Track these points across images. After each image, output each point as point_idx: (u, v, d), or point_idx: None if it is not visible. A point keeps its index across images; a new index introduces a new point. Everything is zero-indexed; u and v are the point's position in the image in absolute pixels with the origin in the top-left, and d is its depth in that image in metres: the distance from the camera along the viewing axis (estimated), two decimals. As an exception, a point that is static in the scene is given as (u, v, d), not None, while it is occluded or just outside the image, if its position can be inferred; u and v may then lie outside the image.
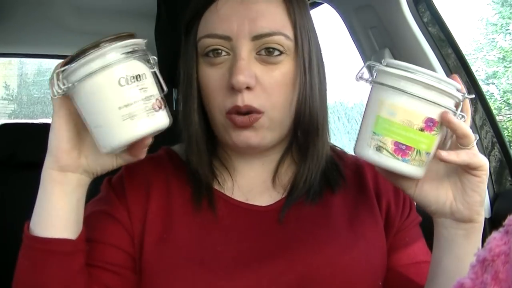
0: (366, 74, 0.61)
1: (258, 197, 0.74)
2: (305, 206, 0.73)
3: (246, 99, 0.66)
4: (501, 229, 0.38)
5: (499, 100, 9.30)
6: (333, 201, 0.75)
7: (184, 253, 0.68)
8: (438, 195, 0.61)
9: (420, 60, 1.16)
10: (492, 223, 1.09)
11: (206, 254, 0.67)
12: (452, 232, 0.62)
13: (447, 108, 0.56)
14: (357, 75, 0.60)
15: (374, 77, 0.59)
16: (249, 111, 0.66)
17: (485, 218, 1.09)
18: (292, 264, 0.67)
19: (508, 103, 9.24)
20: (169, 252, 0.68)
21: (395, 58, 1.24)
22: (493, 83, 9.55)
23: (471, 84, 1.16)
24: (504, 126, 8.67)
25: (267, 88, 0.67)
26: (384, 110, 0.57)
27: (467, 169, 0.58)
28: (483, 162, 0.58)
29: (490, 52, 9.73)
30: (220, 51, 0.68)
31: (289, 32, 0.68)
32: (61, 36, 1.88)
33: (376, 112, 0.57)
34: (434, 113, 0.56)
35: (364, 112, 0.60)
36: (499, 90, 9.46)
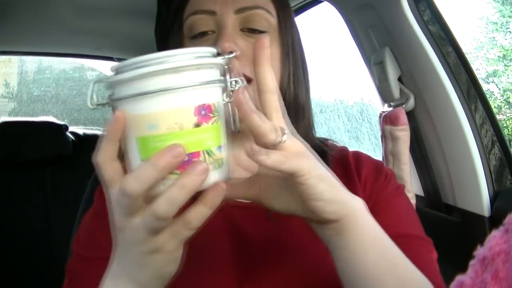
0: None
1: None
2: None
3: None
4: (501, 227, 0.38)
5: (499, 99, 9.29)
6: None
7: None
8: (288, 201, 0.51)
9: (420, 59, 1.16)
10: (492, 222, 1.09)
11: (192, 256, 0.66)
12: (321, 233, 0.53)
13: (212, 82, 0.44)
14: (89, 101, 0.46)
15: (112, 94, 0.45)
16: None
17: (485, 217, 1.09)
18: (275, 270, 0.66)
19: (508, 102, 9.23)
20: None
21: (395, 57, 1.25)
22: (493, 82, 9.53)
23: (471, 82, 1.16)
24: (504, 125, 8.66)
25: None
26: (141, 127, 0.43)
27: (288, 176, 0.47)
28: (297, 167, 0.46)
29: (491, 50, 9.71)
30: (206, 31, 0.70)
31: (272, 10, 0.72)
32: (61, 34, 1.88)
33: (134, 133, 0.44)
34: (200, 98, 0.43)
35: (124, 139, 0.45)
36: (499, 88, 9.44)
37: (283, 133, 0.47)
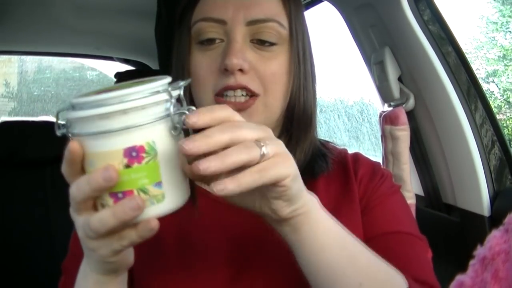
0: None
1: None
2: None
3: (239, 79, 0.66)
4: (501, 227, 0.38)
5: (499, 99, 9.30)
6: (316, 193, 0.73)
7: (165, 256, 0.67)
8: (253, 200, 0.52)
9: (420, 58, 1.16)
10: (492, 221, 1.09)
11: (186, 255, 0.67)
12: (278, 229, 0.54)
13: (147, 123, 0.44)
14: (56, 129, 0.47)
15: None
16: (242, 88, 0.66)
17: (485, 217, 1.09)
18: (269, 268, 0.66)
19: (508, 102, 9.23)
20: (151, 254, 0.67)
21: (395, 57, 1.25)
22: (493, 82, 9.54)
23: (471, 82, 1.16)
24: (504, 125, 8.66)
25: (262, 75, 0.68)
26: (86, 162, 0.46)
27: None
28: (278, 175, 0.46)
29: (491, 50, 9.72)
30: (214, 38, 0.68)
31: (284, 21, 0.70)
32: (61, 34, 1.88)
33: (84, 166, 0.47)
34: (129, 140, 0.44)
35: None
36: (499, 88, 9.45)
37: (261, 145, 0.46)
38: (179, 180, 0.47)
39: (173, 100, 0.46)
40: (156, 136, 0.45)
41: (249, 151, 0.45)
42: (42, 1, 1.55)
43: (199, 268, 0.66)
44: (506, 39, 9.66)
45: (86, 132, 0.44)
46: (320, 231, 0.53)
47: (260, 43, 0.68)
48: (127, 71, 2.15)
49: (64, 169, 0.47)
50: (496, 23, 9.70)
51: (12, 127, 1.81)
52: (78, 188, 0.45)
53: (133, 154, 0.44)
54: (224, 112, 0.47)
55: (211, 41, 0.69)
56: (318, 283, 0.55)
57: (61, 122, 0.47)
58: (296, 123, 0.73)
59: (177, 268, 0.66)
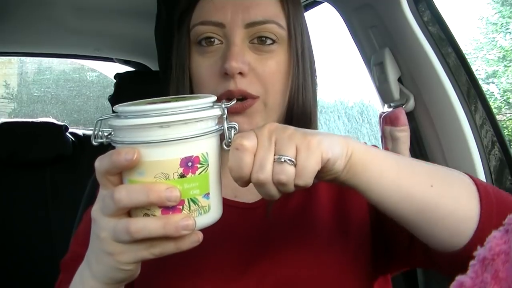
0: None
1: (247, 194, 0.73)
2: (291, 197, 0.72)
3: (239, 84, 0.67)
4: (501, 228, 0.38)
5: (499, 99, 9.29)
6: (319, 189, 0.74)
7: (168, 260, 0.68)
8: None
9: (420, 59, 1.16)
10: (492, 222, 1.09)
11: (192, 259, 0.67)
12: (343, 181, 0.55)
13: (202, 135, 0.46)
14: (93, 138, 0.49)
15: (112, 134, 0.49)
16: (242, 95, 0.67)
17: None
18: (275, 266, 0.66)
19: (508, 102, 9.23)
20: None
21: (395, 58, 1.25)
22: (493, 82, 9.53)
23: (471, 83, 1.16)
24: (504, 125, 8.67)
25: (261, 76, 0.69)
26: (132, 172, 0.45)
27: None
28: (316, 168, 0.48)
29: (490, 51, 9.72)
30: (212, 39, 0.69)
31: (282, 21, 0.71)
32: (61, 35, 1.89)
33: (127, 176, 0.46)
34: (186, 150, 0.45)
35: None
36: (499, 89, 9.44)
37: (282, 160, 0.47)
38: (220, 192, 0.50)
39: (225, 116, 0.49)
40: (209, 148, 0.47)
41: (283, 179, 0.47)
42: (42, 2, 1.55)
43: (205, 266, 0.66)
44: (506, 40, 9.66)
45: (142, 140, 0.45)
46: (370, 158, 0.53)
47: (260, 42, 0.69)
48: (127, 72, 2.15)
49: (106, 169, 0.45)
50: (496, 24, 9.70)
51: (12, 128, 1.81)
52: (130, 196, 0.44)
53: (189, 164, 0.45)
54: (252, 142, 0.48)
55: (210, 43, 0.69)
56: (398, 206, 0.55)
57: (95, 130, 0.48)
58: (295, 123, 0.73)
59: (182, 266, 0.66)
